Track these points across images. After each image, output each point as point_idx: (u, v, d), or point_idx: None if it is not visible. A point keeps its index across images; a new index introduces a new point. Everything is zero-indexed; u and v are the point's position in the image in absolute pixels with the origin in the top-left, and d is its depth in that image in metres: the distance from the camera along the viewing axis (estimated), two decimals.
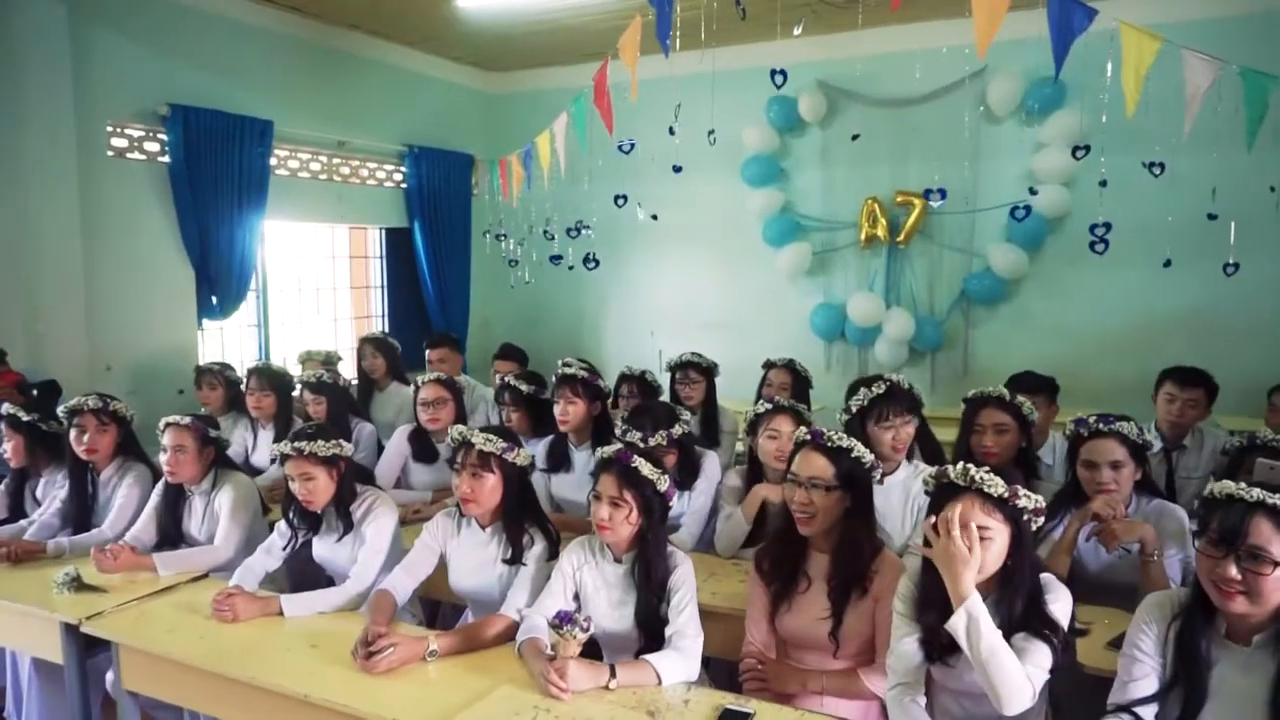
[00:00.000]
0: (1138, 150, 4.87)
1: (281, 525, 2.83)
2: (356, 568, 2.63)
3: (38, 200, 4.25)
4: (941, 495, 1.90)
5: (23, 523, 3.24)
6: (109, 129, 4.62)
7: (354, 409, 4.05)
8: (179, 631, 2.44)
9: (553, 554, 2.51)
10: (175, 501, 3.08)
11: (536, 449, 3.52)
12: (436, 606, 3.20)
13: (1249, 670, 1.71)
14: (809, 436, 2.27)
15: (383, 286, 6.64)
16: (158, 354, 4.87)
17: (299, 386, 4.00)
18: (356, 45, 6.02)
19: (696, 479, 3.08)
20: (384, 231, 6.59)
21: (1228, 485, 1.74)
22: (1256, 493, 1.69)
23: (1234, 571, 1.67)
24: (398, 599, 2.53)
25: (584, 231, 5.22)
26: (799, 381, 3.79)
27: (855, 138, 4.96)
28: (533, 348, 5.49)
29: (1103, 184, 3.88)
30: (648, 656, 2.12)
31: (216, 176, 4.94)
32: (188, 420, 3.03)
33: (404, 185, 6.51)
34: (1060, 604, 1.87)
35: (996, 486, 1.82)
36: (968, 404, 2.91)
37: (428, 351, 4.70)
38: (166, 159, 4.85)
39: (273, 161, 5.32)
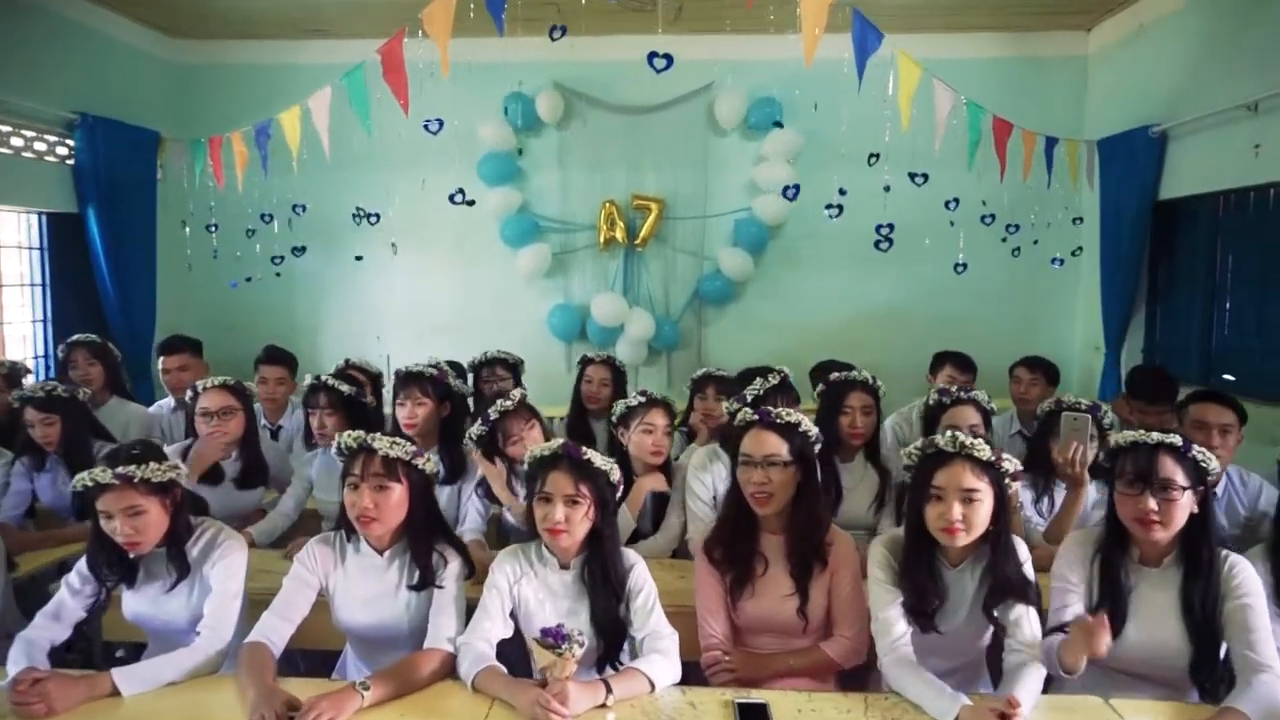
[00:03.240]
0: (840, 171, 5.60)
1: (73, 579, 2.17)
2: (209, 620, 2.09)
3: None
4: (929, 463, 2.01)
5: None
6: None
7: (96, 430, 3.22)
8: None
9: (470, 571, 2.22)
10: None
11: None
12: None
13: (1161, 587, 2.04)
14: (757, 416, 2.26)
15: (44, 284, 5.36)
16: None
17: (18, 403, 3.08)
18: None
19: None
20: (44, 217, 5.33)
21: (1129, 434, 2.06)
22: (1156, 436, 2.02)
23: (1152, 504, 1.97)
24: (274, 650, 2.07)
25: (372, 219, 4.71)
26: (618, 376, 3.75)
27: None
28: (232, 357, 4.88)
29: (886, 189, 4.36)
30: (634, 664, 1.97)
31: None
32: None
33: (71, 161, 5.33)
34: (1028, 564, 2.06)
35: (985, 452, 1.96)
36: (831, 387, 3.09)
37: (161, 359, 3.91)
38: None
39: None
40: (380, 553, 2.19)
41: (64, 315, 5.43)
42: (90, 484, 2.03)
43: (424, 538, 2.17)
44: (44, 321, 5.38)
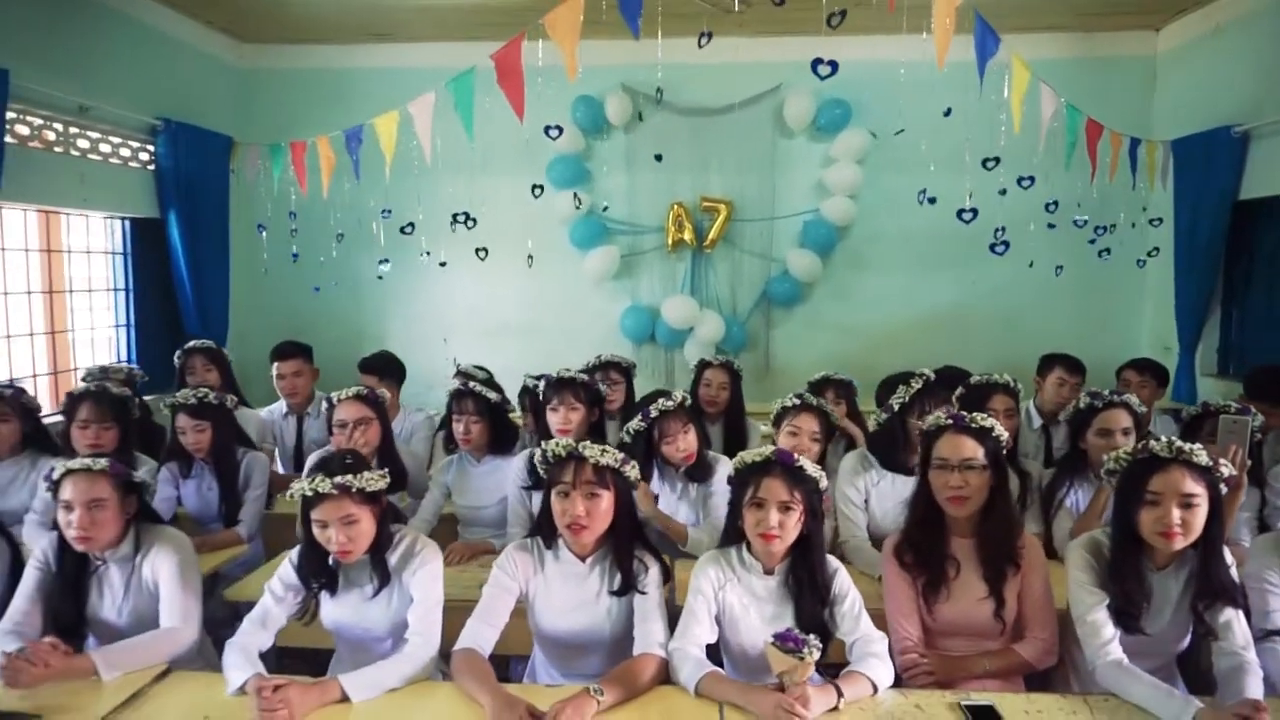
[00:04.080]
0: (908, 173, 5.61)
1: (276, 586, 2.19)
2: (418, 627, 2.12)
3: None
4: (1143, 468, 2.02)
5: None
6: None
7: (241, 438, 3.25)
8: None
9: (668, 576, 2.25)
10: (78, 576, 2.24)
11: (498, 464, 3.12)
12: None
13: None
14: (950, 420, 2.28)
15: (127, 289, 5.39)
16: None
17: (170, 410, 3.11)
18: None
19: (711, 476, 2.93)
20: (128, 222, 5.36)
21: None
22: None
23: None
24: (484, 656, 2.09)
25: (469, 224, 4.72)
26: (735, 379, 3.77)
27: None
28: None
29: (1002, 192, 4.36)
30: (856, 668, 1.99)
31: None
32: (104, 463, 2.22)
33: (152, 167, 5.36)
34: (1235, 567, 2.08)
35: (1202, 457, 1.98)
36: (972, 390, 3.11)
37: (276, 365, 3.92)
38: None
39: None
40: (582, 559, 2.21)
41: (144, 319, 5.46)
42: (311, 493, 2.05)
43: (627, 543, 2.19)
44: (127, 326, 5.41)
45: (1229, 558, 2.08)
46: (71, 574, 2.24)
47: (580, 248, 6.33)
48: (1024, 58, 3.90)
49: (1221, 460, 2.03)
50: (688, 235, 6.23)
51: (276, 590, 2.19)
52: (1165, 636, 2.11)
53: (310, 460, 3.12)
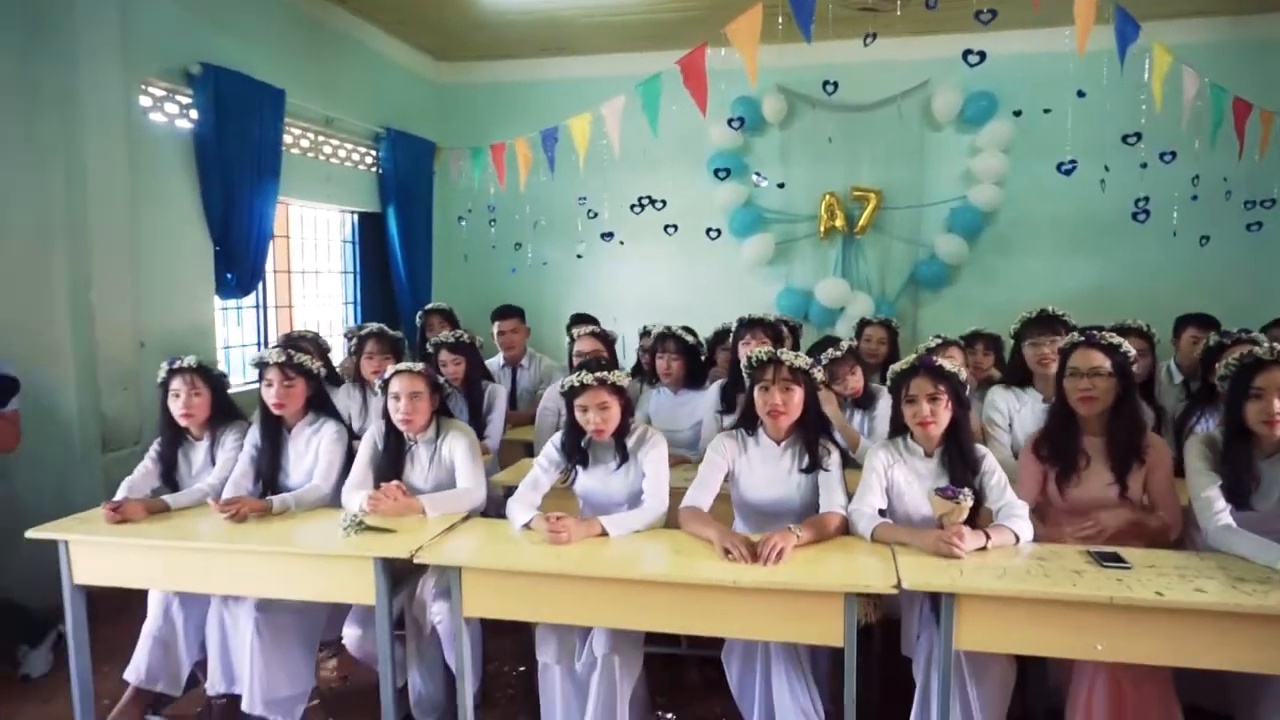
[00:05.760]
0: (1053, 159, 5.89)
1: (543, 461, 2.88)
2: (653, 491, 2.74)
3: (94, 158, 3.89)
4: (1249, 369, 2.43)
5: (202, 485, 3.02)
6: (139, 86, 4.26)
7: (485, 373, 4.05)
8: (526, 556, 2.48)
9: (845, 459, 2.80)
10: (398, 452, 3.02)
11: (692, 396, 3.76)
12: None
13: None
14: (1084, 337, 2.73)
15: (355, 272, 6.40)
16: (183, 333, 4.51)
17: (434, 348, 3.93)
18: (337, 20, 5.84)
19: (875, 403, 3.49)
20: (357, 215, 6.37)
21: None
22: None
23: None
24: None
25: (652, 206, 5.44)
26: (893, 335, 4.28)
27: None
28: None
29: (1143, 165, 4.70)
30: (1003, 523, 2.48)
31: (239, 145, 4.65)
32: (420, 366, 3.00)
33: (375, 169, 6.34)
34: None
35: None
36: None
37: (496, 324, 4.71)
38: (186, 123, 4.52)
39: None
40: (778, 443, 2.80)
41: (367, 299, 6.45)
42: (577, 385, 2.74)
43: (814, 432, 2.76)
44: (354, 303, 6.41)
45: None
46: (393, 450, 3.02)
47: (738, 236, 6.93)
48: (1169, 44, 4.22)
49: None
50: (839, 222, 6.72)
51: (543, 463, 2.88)
52: (1272, 515, 2.48)
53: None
